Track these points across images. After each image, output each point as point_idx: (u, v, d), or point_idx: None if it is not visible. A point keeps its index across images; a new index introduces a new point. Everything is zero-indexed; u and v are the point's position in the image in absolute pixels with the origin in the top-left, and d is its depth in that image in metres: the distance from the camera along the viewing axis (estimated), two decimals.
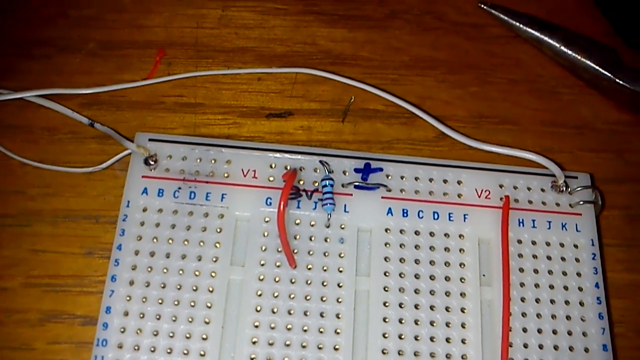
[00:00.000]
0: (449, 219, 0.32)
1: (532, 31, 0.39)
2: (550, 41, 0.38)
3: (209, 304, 0.30)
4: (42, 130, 0.35)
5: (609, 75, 0.37)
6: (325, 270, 0.31)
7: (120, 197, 0.32)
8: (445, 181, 0.33)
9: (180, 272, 0.30)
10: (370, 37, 0.40)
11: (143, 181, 0.32)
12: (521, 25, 0.39)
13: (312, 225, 0.31)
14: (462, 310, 0.30)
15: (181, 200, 0.32)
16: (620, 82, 0.37)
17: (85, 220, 0.33)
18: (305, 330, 0.29)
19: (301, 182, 0.32)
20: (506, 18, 0.40)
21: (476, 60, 0.39)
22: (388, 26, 0.40)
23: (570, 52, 0.38)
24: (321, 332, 0.29)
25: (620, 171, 0.36)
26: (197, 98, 0.36)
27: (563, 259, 0.32)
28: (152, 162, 0.32)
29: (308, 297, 0.30)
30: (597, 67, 0.37)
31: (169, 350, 0.29)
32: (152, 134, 0.33)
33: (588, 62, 0.38)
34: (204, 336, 0.29)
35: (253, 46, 0.39)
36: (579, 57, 0.38)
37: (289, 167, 0.33)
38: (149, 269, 0.30)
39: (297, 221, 0.32)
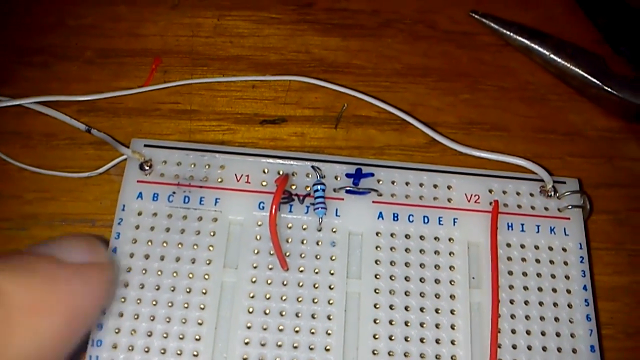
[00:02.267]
0: (439, 223, 0.33)
1: (522, 39, 0.39)
2: (540, 49, 0.39)
3: (202, 306, 0.30)
4: (40, 136, 0.35)
5: (598, 82, 0.37)
6: (316, 273, 0.31)
7: (116, 201, 0.32)
8: (435, 186, 0.34)
9: (174, 274, 0.31)
10: (363, 46, 0.40)
11: (138, 186, 0.33)
12: (511, 34, 0.40)
13: (304, 229, 0.32)
14: (452, 312, 0.31)
15: (175, 204, 0.32)
16: (609, 89, 0.37)
17: (82, 224, 0.33)
18: (297, 331, 0.30)
19: (293, 187, 0.33)
20: (497, 27, 0.40)
21: (467, 68, 0.40)
22: (381, 35, 0.41)
23: (559, 59, 0.38)
24: (313, 333, 0.30)
25: (608, 176, 0.37)
26: (192, 105, 0.37)
27: (552, 262, 0.32)
28: (148, 167, 0.33)
29: (300, 299, 0.30)
30: (586, 75, 0.38)
31: (162, 351, 0.29)
32: (148, 140, 0.34)
33: (577, 70, 0.38)
34: (197, 337, 0.29)
35: (247, 54, 0.39)
36: (568, 65, 0.38)
37: (281, 172, 0.33)
38: (144, 271, 0.31)
39: (290, 225, 0.32)
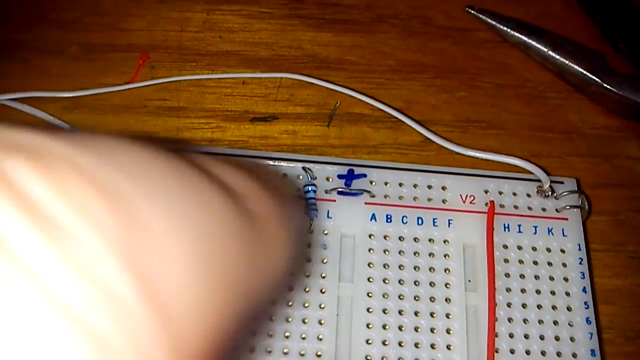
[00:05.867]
0: (434, 225, 0.32)
1: (520, 36, 0.39)
2: (538, 46, 0.38)
3: None
4: None
5: (597, 80, 0.37)
6: (307, 276, 0.30)
7: None
8: (429, 187, 0.33)
9: None
10: (356, 42, 0.39)
11: None
12: (509, 30, 0.39)
13: None
14: (447, 315, 0.30)
15: None
16: (608, 86, 0.36)
17: None
18: (287, 337, 0.29)
19: None
20: (493, 22, 0.39)
21: (463, 65, 0.39)
22: (374, 30, 0.40)
23: (557, 56, 0.38)
24: (303, 338, 0.29)
25: (608, 176, 0.36)
26: (180, 102, 0.36)
27: (550, 263, 0.32)
28: None
29: (290, 303, 0.30)
30: (584, 72, 0.37)
31: None
32: None
33: (576, 67, 0.37)
34: None
35: (237, 50, 0.38)
36: (567, 62, 0.37)
37: None
38: None
39: None
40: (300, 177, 0.32)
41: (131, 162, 0.12)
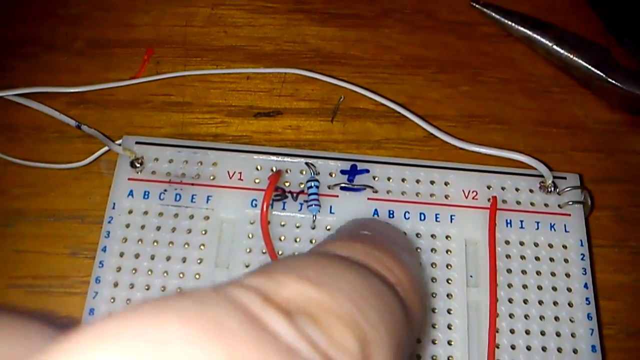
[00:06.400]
0: (436, 220, 0.32)
1: (524, 30, 0.39)
2: (542, 40, 0.38)
3: None
4: (28, 129, 0.35)
5: (601, 74, 0.37)
6: None
7: (106, 196, 0.32)
8: (432, 182, 0.33)
9: (165, 274, 0.30)
10: (360, 36, 0.39)
11: (129, 183, 0.32)
12: (513, 24, 0.39)
13: (298, 227, 0.31)
14: (449, 311, 0.30)
15: (167, 202, 0.31)
16: (613, 81, 0.36)
17: (70, 220, 0.33)
18: None
19: (287, 184, 0.32)
20: (498, 17, 0.39)
21: (467, 59, 0.39)
22: (379, 25, 0.40)
23: (562, 51, 0.38)
24: None
25: (611, 171, 0.36)
26: (185, 97, 0.36)
27: (552, 259, 0.32)
28: (139, 165, 0.32)
29: None
30: (589, 67, 0.37)
31: None
32: (139, 137, 0.33)
33: (580, 62, 0.37)
34: None
35: (242, 45, 0.38)
36: (571, 56, 0.37)
37: (274, 169, 0.32)
38: (134, 271, 0.30)
39: (283, 223, 0.31)
40: (304, 172, 0.33)
41: (350, 288, 0.16)
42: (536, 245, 0.32)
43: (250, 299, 0.13)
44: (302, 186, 0.32)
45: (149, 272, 0.30)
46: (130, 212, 0.31)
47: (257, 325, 0.13)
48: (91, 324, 0.12)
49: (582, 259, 0.32)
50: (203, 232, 0.31)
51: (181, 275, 0.30)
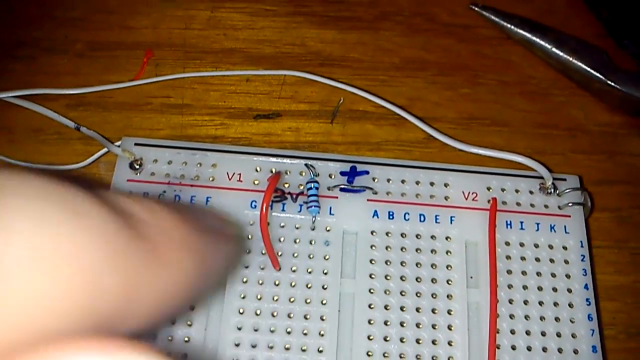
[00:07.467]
0: (436, 221, 0.32)
1: (524, 32, 0.39)
2: (542, 42, 0.38)
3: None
4: (28, 131, 0.35)
5: (601, 77, 0.37)
6: (309, 273, 0.30)
7: None
8: (432, 184, 0.33)
9: None
10: (360, 39, 0.39)
11: (128, 185, 0.32)
12: (512, 27, 0.39)
13: (297, 228, 0.31)
14: (449, 312, 0.30)
15: None
16: (612, 83, 0.36)
17: None
18: (289, 333, 0.29)
19: (286, 185, 0.32)
20: (497, 19, 0.39)
21: (467, 62, 0.39)
22: (378, 28, 0.40)
23: (561, 53, 0.38)
24: (305, 334, 0.29)
25: (611, 173, 0.36)
26: (184, 99, 0.36)
27: (552, 260, 0.32)
28: (138, 166, 0.32)
29: (292, 300, 0.30)
30: (588, 69, 0.37)
31: None
32: (138, 139, 0.33)
33: (579, 64, 0.37)
34: (186, 339, 0.29)
35: (242, 47, 0.38)
36: (571, 59, 0.37)
37: (274, 171, 0.32)
38: None
39: (282, 224, 0.31)
40: (303, 173, 0.33)
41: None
42: (536, 246, 0.32)
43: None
44: (302, 187, 0.32)
45: None
46: None
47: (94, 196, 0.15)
48: None
49: (582, 260, 0.32)
50: None
51: None
